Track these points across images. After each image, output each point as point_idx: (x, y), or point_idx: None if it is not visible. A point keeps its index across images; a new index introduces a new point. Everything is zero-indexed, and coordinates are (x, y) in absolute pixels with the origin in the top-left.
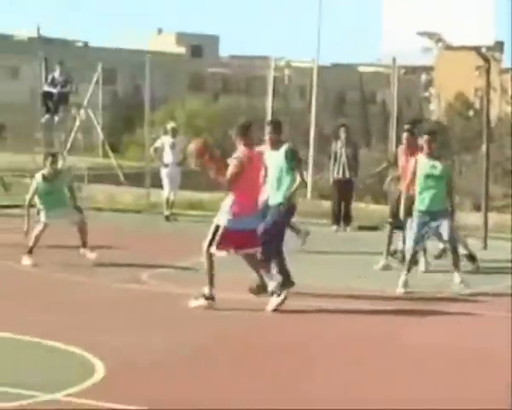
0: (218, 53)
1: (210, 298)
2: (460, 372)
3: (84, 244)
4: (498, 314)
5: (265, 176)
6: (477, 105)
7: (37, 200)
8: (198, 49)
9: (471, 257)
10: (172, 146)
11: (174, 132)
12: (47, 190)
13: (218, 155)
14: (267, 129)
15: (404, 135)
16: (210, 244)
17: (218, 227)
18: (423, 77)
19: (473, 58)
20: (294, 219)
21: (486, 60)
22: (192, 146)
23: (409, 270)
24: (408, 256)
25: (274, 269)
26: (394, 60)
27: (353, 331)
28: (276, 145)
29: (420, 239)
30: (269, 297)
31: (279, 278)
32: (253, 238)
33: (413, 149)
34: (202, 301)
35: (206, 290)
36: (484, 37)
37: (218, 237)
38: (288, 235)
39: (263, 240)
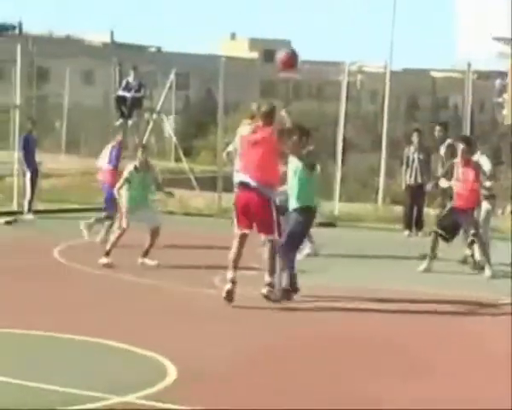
0: None
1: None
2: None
3: (147, 252)
4: None
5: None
6: None
7: (124, 195)
8: (271, 55)
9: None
10: None
11: None
12: (138, 182)
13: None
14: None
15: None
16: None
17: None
18: (497, 82)
19: None
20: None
21: None
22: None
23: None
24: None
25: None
26: (469, 65)
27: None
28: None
29: None
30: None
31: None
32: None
33: (467, 160)
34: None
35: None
36: None
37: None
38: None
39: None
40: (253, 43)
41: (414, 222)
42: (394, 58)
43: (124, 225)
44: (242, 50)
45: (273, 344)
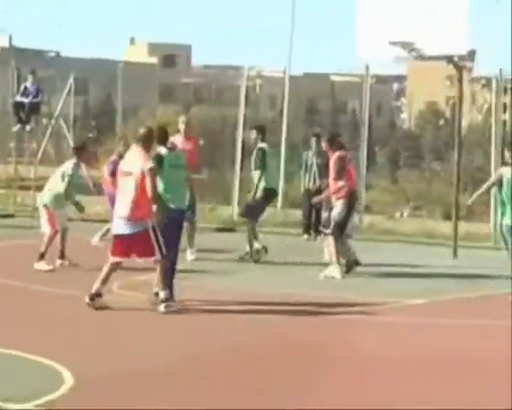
0: (191, 63)
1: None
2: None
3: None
4: (468, 322)
5: None
6: (448, 114)
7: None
8: (170, 59)
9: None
10: None
11: None
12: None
13: None
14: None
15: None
16: None
17: None
18: (395, 86)
19: (444, 67)
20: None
21: (458, 69)
22: None
23: None
24: None
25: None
26: (367, 69)
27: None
28: None
29: None
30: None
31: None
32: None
33: None
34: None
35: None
36: (456, 46)
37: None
38: None
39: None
40: (153, 47)
41: (313, 226)
42: (294, 63)
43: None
44: (142, 55)
45: (177, 352)
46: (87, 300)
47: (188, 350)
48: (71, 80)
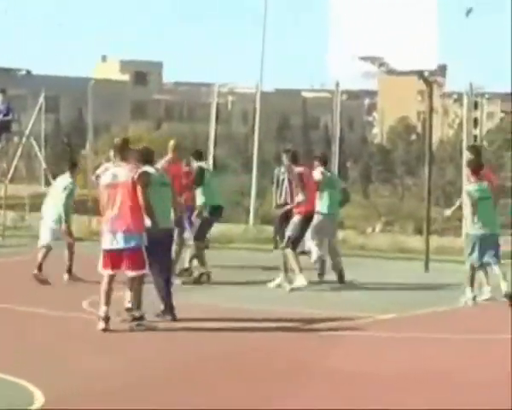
0: (162, 80)
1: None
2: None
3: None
4: (434, 336)
5: None
6: (419, 129)
7: None
8: (142, 76)
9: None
10: None
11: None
12: None
13: None
14: None
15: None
16: None
17: None
18: (366, 101)
19: (415, 82)
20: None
21: (429, 84)
22: None
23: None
24: None
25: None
26: (338, 84)
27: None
28: None
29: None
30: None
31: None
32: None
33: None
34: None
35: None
36: (426, 61)
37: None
38: None
39: None
40: (124, 65)
41: None
42: (266, 79)
43: None
44: (114, 72)
45: (143, 364)
46: (102, 326)
47: (160, 366)
48: (41, 98)
